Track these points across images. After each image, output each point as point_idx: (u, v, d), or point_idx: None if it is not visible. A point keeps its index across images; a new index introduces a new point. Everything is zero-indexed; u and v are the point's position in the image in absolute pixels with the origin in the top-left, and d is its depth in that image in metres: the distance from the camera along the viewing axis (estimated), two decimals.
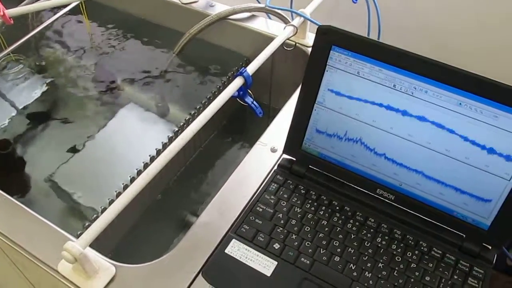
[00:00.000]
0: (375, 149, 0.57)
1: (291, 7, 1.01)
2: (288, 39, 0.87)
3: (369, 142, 0.57)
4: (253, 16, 0.99)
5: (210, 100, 0.90)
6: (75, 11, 1.11)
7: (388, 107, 0.54)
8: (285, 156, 0.64)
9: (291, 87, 0.97)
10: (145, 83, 1.01)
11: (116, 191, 0.75)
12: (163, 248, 0.87)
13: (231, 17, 0.97)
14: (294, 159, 0.63)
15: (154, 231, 0.90)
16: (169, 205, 0.94)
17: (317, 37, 0.55)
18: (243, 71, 0.74)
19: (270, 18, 1.00)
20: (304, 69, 0.91)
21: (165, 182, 0.91)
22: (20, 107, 0.97)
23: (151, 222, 0.91)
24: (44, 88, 1.00)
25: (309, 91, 0.58)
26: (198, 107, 0.87)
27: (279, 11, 0.98)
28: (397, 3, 1.11)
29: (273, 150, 0.71)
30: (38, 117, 0.97)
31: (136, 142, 0.90)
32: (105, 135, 0.91)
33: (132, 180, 0.77)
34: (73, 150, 0.91)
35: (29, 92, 0.99)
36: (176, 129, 0.84)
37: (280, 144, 0.71)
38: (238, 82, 0.73)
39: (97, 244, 0.69)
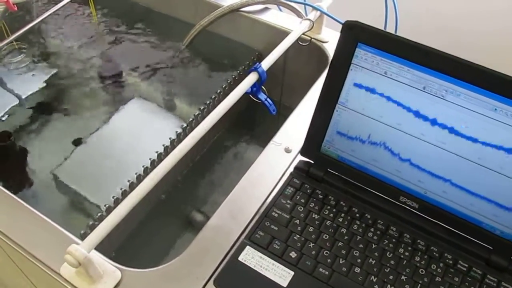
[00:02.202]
0: (400, 154, 0.53)
1: (305, 0, 0.98)
2: (303, 34, 0.83)
3: (394, 146, 0.53)
4: (265, 9, 0.95)
5: (220, 96, 0.86)
6: None
7: (416, 111, 0.50)
8: (302, 158, 0.61)
9: (304, 84, 0.93)
10: (152, 75, 0.97)
11: (121, 189, 0.71)
12: (168, 248, 0.84)
13: (243, 9, 0.93)
14: (312, 161, 0.59)
15: (158, 229, 0.87)
16: (174, 203, 0.91)
17: (343, 33, 0.51)
18: (258, 67, 0.70)
19: (281, 10, 0.96)
20: (318, 66, 0.89)
21: (170, 180, 0.88)
22: (22, 97, 0.94)
23: (155, 220, 0.87)
24: (47, 78, 0.97)
25: (331, 90, 0.54)
26: (208, 102, 0.84)
27: (293, 4, 0.94)
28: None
29: (287, 151, 0.68)
30: (40, 108, 0.94)
31: (142, 136, 0.87)
32: (109, 129, 0.88)
33: (138, 178, 0.74)
34: (77, 143, 0.88)
35: (31, 82, 0.96)
36: (185, 124, 0.80)
37: (295, 145, 0.68)
38: (252, 78, 0.69)
39: (99, 244, 0.66)
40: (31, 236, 0.58)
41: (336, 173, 0.59)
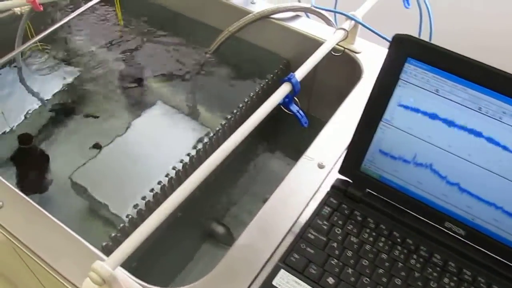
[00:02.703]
0: (448, 177, 0.50)
1: (335, 8, 0.95)
2: (337, 44, 0.80)
3: (441, 169, 0.50)
4: (295, 16, 0.92)
5: (247, 105, 0.83)
6: (107, 0, 1.05)
7: (470, 132, 0.47)
8: (339, 176, 0.57)
9: (335, 95, 0.90)
10: (177, 81, 0.95)
11: (145, 200, 0.68)
12: (188, 259, 0.81)
13: (273, 16, 0.91)
14: (350, 181, 0.56)
15: (178, 240, 0.85)
16: (194, 214, 0.88)
17: (392, 46, 0.48)
18: (291, 77, 0.67)
19: (308, 17, 0.93)
20: (350, 77, 0.86)
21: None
22: (44, 99, 0.92)
23: (175, 230, 0.85)
24: (70, 80, 0.95)
25: (375, 106, 0.51)
26: (235, 111, 0.81)
27: (323, 12, 0.92)
28: (449, 6, 1.04)
29: (321, 166, 0.64)
30: (61, 111, 0.92)
31: (164, 143, 0.85)
32: (131, 134, 0.86)
33: (163, 188, 0.71)
34: (97, 148, 0.86)
35: (53, 83, 0.94)
36: (212, 134, 0.78)
37: (328, 160, 0.65)
38: (285, 88, 0.66)
39: None
40: (51, 247, 0.55)
41: (376, 194, 0.55)
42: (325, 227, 0.53)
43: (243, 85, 0.91)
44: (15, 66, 0.94)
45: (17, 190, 0.60)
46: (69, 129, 0.90)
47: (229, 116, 0.80)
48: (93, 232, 0.78)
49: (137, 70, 0.98)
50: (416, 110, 0.49)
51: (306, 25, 0.90)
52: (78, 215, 0.79)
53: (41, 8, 0.81)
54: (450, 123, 0.48)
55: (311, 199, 0.60)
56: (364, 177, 0.55)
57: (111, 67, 0.97)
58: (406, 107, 0.50)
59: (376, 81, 0.50)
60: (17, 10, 0.84)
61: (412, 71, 0.48)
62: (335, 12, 0.84)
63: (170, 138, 0.86)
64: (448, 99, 0.47)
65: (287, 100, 0.69)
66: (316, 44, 0.87)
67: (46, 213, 0.59)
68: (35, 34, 0.85)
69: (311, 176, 0.63)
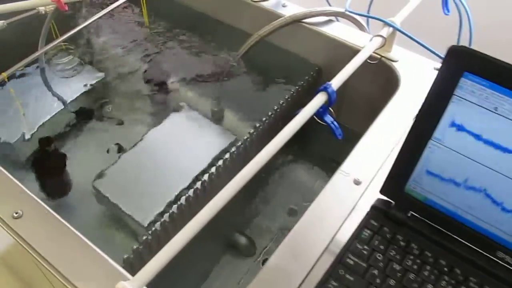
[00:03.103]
0: (503, 203, 0.45)
1: (368, 12, 0.90)
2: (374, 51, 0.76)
3: (496, 194, 0.45)
4: (328, 21, 0.88)
5: (277, 112, 0.80)
6: (133, 0, 1.02)
7: None
8: (380, 196, 0.53)
9: (367, 105, 0.86)
10: (203, 85, 0.93)
11: (170, 212, 0.65)
12: (209, 269, 0.79)
13: (305, 20, 0.87)
14: (393, 202, 0.52)
15: (199, 250, 0.81)
16: (215, 222, 0.85)
17: (446, 59, 0.44)
18: (328, 87, 0.63)
19: (338, 20, 0.89)
20: (386, 87, 0.82)
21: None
22: (67, 101, 0.90)
23: (195, 240, 0.82)
24: (93, 82, 0.94)
25: (425, 123, 0.47)
26: (264, 119, 0.77)
27: (357, 17, 0.87)
28: (490, 15, 0.98)
29: (357, 182, 0.60)
30: (84, 113, 0.91)
31: (189, 150, 0.82)
32: (154, 140, 0.83)
33: (187, 199, 0.68)
34: (119, 153, 0.84)
35: (77, 85, 0.93)
36: (239, 143, 0.74)
37: (364, 176, 0.61)
38: (321, 98, 0.63)
39: (139, 263, 0.60)
40: (71, 261, 0.52)
41: (421, 217, 0.51)
42: (365, 252, 0.49)
43: (272, 91, 0.87)
44: (38, 67, 0.92)
45: (37, 199, 0.58)
46: (91, 132, 0.88)
47: (257, 124, 0.76)
48: (113, 241, 0.75)
49: (162, 73, 0.95)
50: (471, 129, 0.45)
51: (339, 31, 0.86)
52: (98, 222, 0.77)
53: (66, 8, 0.78)
54: (508, 146, 0.43)
55: (346, 218, 0.56)
56: (408, 199, 0.51)
57: (136, 70, 0.95)
58: (459, 126, 0.45)
59: (427, 96, 0.46)
60: (42, 9, 0.81)
61: (469, 87, 0.44)
62: (372, 17, 0.80)
63: (195, 145, 0.83)
64: (508, 118, 0.43)
65: (322, 110, 0.65)
66: (349, 51, 0.83)
67: (67, 224, 0.56)
68: (60, 35, 0.82)
69: (347, 193, 0.59)
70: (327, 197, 0.59)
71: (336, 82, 0.65)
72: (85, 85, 0.92)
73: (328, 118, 0.67)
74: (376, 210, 0.52)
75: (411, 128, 0.48)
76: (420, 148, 0.48)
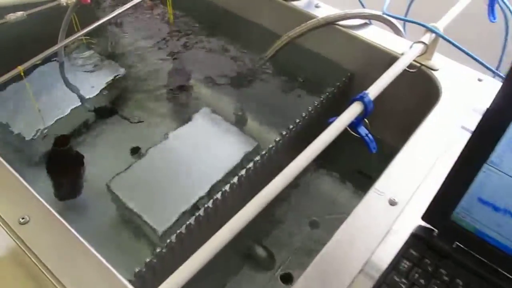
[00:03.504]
0: None
1: (405, 16, 0.85)
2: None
3: None
4: (363, 24, 0.83)
5: (305, 120, 0.75)
6: None
7: None
8: (421, 223, 0.47)
9: (403, 116, 0.80)
10: (226, 87, 0.89)
11: (188, 223, 0.61)
12: (224, 282, 0.75)
13: (339, 22, 0.81)
14: (436, 230, 0.46)
15: (213, 262, 0.77)
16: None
17: (510, 74, 0.38)
18: (364, 96, 0.58)
19: (370, 23, 0.84)
20: (425, 98, 0.76)
21: (235, 207, 0.77)
22: (85, 97, 0.87)
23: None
24: (113, 78, 0.90)
25: (480, 144, 0.41)
26: (291, 127, 0.72)
27: (394, 21, 0.82)
28: None
29: (392, 203, 0.55)
30: (102, 111, 0.88)
31: (209, 154, 0.78)
32: (174, 142, 0.79)
33: (206, 210, 0.63)
34: (136, 153, 0.80)
35: (96, 81, 0.89)
36: (263, 152, 0.69)
37: (401, 197, 0.55)
38: (356, 108, 0.58)
39: (152, 274, 0.56)
40: (79, 276, 0.48)
41: (469, 250, 0.45)
42: (403, 286, 0.43)
43: (301, 97, 0.83)
44: (57, 61, 0.89)
45: (45, 204, 0.54)
46: (109, 131, 0.85)
47: (284, 132, 0.71)
48: (125, 248, 0.72)
49: (185, 72, 0.92)
50: None
51: (374, 35, 0.81)
52: (111, 226, 0.74)
53: (89, 0, 0.75)
54: None
55: (381, 241, 0.51)
56: (454, 228, 0.45)
57: (158, 68, 0.92)
58: None
59: (486, 113, 0.40)
60: (63, 1, 0.78)
61: None
62: (413, 22, 0.74)
63: (216, 150, 0.79)
64: None
65: (356, 121, 0.60)
66: (385, 57, 0.78)
67: (75, 233, 0.52)
68: (81, 28, 0.79)
69: (381, 214, 0.54)
70: (359, 217, 0.54)
71: (373, 91, 0.60)
72: (105, 82, 0.89)
73: (363, 130, 0.61)
74: (417, 239, 0.47)
75: (463, 148, 0.43)
76: (473, 172, 0.42)
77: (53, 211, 0.53)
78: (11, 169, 0.57)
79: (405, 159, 0.61)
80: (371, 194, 0.56)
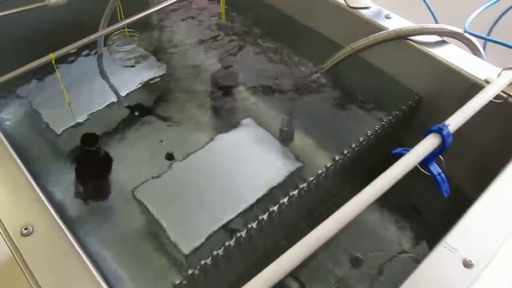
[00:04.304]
0: None
1: (488, 35, 0.74)
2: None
3: None
4: (441, 42, 0.73)
5: (362, 145, 0.65)
6: None
7: None
8: None
9: (482, 157, 0.70)
10: (275, 97, 0.83)
11: (226, 244, 0.53)
12: None
13: (412, 37, 0.72)
14: None
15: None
16: (267, 263, 0.72)
17: None
18: (443, 128, 0.49)
19: (441, 37, 0.74)
20: (505, 135, 0.65)
21: (275, 238, 0.68)
22: (121, 94, 0.83)
23: (240, 281, 0.70)
24: (154, 76, 0.86)
25: None
26: (345, 152, 0.63)
27: (474, 40, 0.71)
28: None
29: (467, 264, 0.45)
30: (138, 110, 0.83)
31: (248, 170, 0.72)
32: (211, 151, 0.74)
33: (249, 231, 0.55)
34: (170, 159, 0.76)
35: (135, 77, 0.85)
36: (311, 178, 0.60)
37: (478, 257, 0.46)
38: (432, 142, 0.49)
39: None
40: None
41: None
42: None
43: (359, 118, 0.75)
44: (95, 52, 0.85)
45: (54, 214, 0.47)
46: (143, 132, 0.79)
47: (337, 157, 0.62)
48: (146, 263, 0.65)
49: (232, 77, 0.86)
50: None
51: (452, 55, 0.71)
52: (134, 237, 0.68)
53: None
54: None
55: None
56: None
57: (203, 68, 0.86)
58: None
59: None
60: None
61: None
62: (503, 44, 0.63)
63: (255, 166, 0.72)
64: None
65: (429, 157, 0.50)
66: (464, 82, 0.69)
67: (81, 253, 0.45)
68: (124, 18, 0.73)
69: (453, 276, 0.45)
70: (425, 274, 0.45)
71: (454, 123, 0.51)
72: (145, 79, 0.84)
73: (435, 168, 0.52)
74: None
75: None
76: None
77: (61, 223, 0.46)
78: (24, 168, 0.51)
79: (484, 211, 0.52)
80: (441, 249, 0.47)
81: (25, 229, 0.45)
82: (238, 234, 0.54)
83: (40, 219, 0.46)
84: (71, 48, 0.64)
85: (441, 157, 0.51)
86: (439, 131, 0.48)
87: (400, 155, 0.51)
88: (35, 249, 0.44)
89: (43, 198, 0.48)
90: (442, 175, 0.52)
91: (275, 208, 0.57)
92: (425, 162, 0.51)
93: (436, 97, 0.72)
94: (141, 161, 0.75)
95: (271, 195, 0.66)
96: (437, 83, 0.72)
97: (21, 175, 0.50)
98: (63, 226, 0.45)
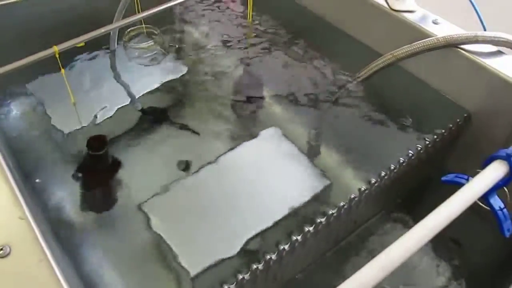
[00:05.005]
0: None
1: None
2: None
3: None
4: (496, 52, 0.65)
5: (401, 167, 0.57)
6: None
7: None
8: None
9: None
10: (304, 107, 0.76)
11: (239, 278, 0.47)
12: None
13: (464, 46, 0.64)
14: None
15: None
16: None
17: None
18: (511, 154, 0.39)
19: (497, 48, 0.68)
20: None
21: (308, 260, 0.61)
22: (135, 96, 0.78)
23: None
24: (172, 78, 0.81)
25: None
26: (382, 174, 0.55)
27: None
28: None
29: None
30: (152, 114, 0.78)
31: (268, 188, 0.66)
32: (229, 166, 0.68)
33: (280, 253, 0.49)
34: (186, 169, 0.69)
35: (151, 78, 0.80)
36: (342, 203, 0.52)
37: None
38: (498, 171, 0.40)
39: None
40: None
41: None
42: None
43: (398, 136, 0.67)
44: (107, 49, 0.80)
45: (37, 233, 0.40)
46: (156, 139, 0.73)
47: (373, 180, 0.55)
48: (148, 282, 0.59)
49: (257, 83, 0.81)
50: None
51: (507, 67, 0.64)
52: (138, 253, 0.62)
53: None
54: None
55: None
56: None
57: (225, 72, 0.81)
58: None
59: None
60: None
61: None
62: None
63: (278, 182, 0.66)
64: None
65: (492, 188, 0.42)
66: None
67: (62, 280, 0.37)
68: (142, 11, 0.68)
69: None
70: None
71: None
72: (162, 81, 0.79)
73: (496, 202, 0.43)
74: None
75: None
76: None
77: (44, 245, 0.39)
78: (12, 182, 0.45)
79: None
80: None
81: (1, 249, 0.38)
82: (254, 266, 0.46)
83: (20, 239, 0.39)
84: (78, 41, 0.58)
85: (505, 189, 0.43)
86: (508, 158, 0.39)
87: (451, 184, 0.43)
88: (7, 274, 0.38)
89: (29, 215, 0.41)
90: (505, 210, 0.43)
91: (299, 237, 0.49)
92: (487, 194, 0.43)
93: (488, 115, 0.65)
94: (153, 171, 0.70)
95: (293, 218, 0.59)
96: (490, 99, 0.65)
97: (7, 189, 0.43)
98: (46, 249, 0.39)
